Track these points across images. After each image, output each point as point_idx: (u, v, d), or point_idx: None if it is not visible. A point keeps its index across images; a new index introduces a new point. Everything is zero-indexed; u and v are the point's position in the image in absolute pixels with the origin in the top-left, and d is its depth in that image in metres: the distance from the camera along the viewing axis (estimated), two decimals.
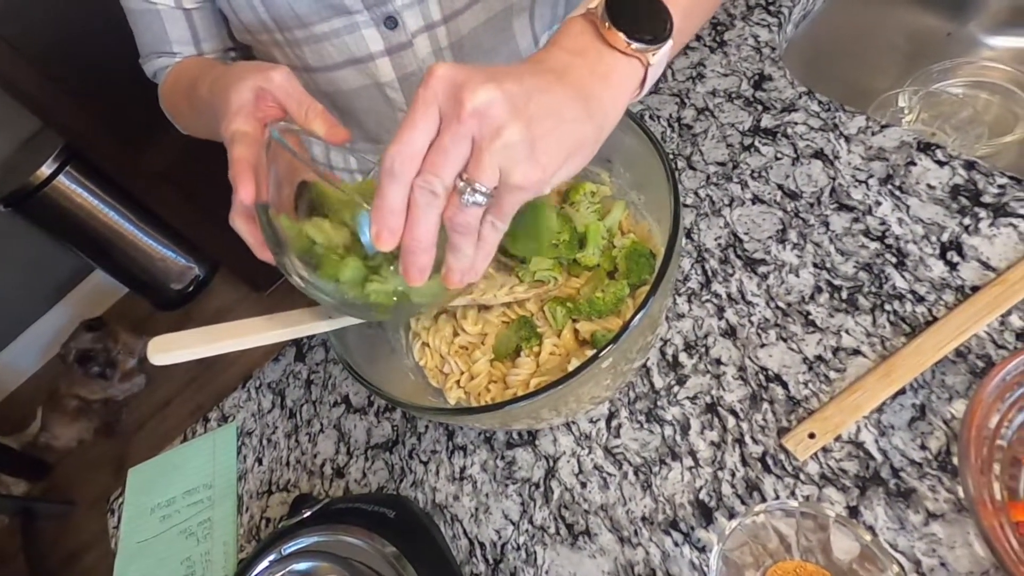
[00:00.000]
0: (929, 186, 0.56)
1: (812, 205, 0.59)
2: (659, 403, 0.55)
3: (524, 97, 0.32)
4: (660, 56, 0.37)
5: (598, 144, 0.36)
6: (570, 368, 0.45)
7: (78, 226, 1.96)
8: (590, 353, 0.51)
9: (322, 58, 0.63)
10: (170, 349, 0.43)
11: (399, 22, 0.60)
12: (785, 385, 0.52)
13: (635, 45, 0.36)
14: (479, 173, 0.32)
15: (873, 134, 0.61)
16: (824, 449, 0.48)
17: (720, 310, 0.57)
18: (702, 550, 0.48)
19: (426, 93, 0.33)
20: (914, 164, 0.57)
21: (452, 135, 0.32)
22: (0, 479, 1.99)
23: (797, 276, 0.56)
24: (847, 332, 0.52)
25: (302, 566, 0.49)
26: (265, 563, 0.50)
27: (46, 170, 1.83)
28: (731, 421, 0.52)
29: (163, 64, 0.66)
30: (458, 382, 0.56)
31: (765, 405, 0.51)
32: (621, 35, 0.36)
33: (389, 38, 0.61)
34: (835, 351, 0.52)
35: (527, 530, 0.54)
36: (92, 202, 1.94)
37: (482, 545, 0.55)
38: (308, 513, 0.55)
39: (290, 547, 0.51)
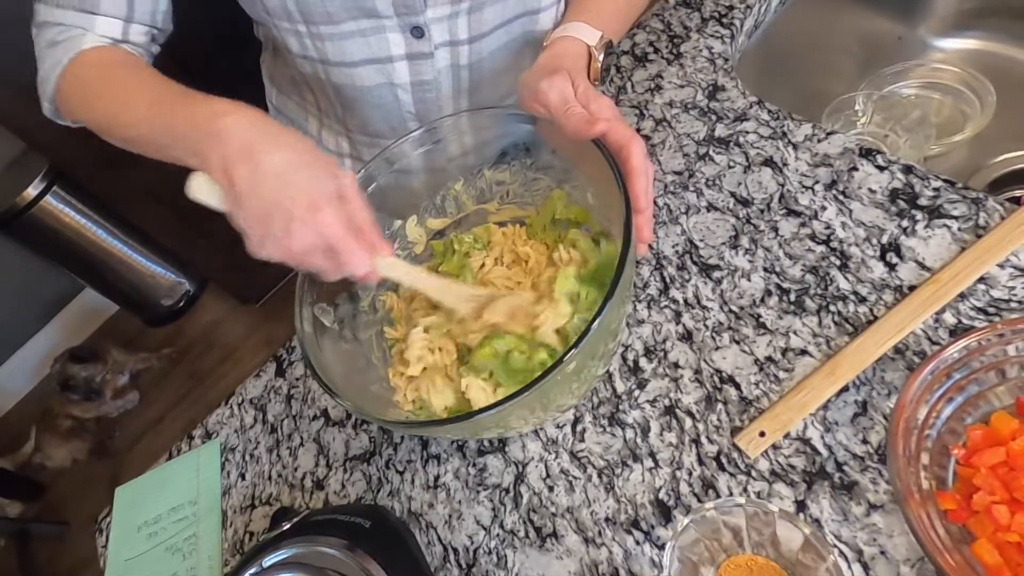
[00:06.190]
0: (870, 190, 0.58)
1: (763, 211, 0.62)
2: (621, 407, 0.57)
3: None
4: None
5: None
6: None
7: (67, 246, 1.97)
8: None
9: (342, 54, 0.64)
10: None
11: (425, 33, 0.62)
12: (738, 386, 0.54)
13: None
14: None
15: (819, 141, 0.63)
16: (774, 446, 0.50)
17: (678, 315, 0.59)
18: (662, 548, 0.50)
19: None
20: (856, 169, 0.60)
21: None
22: None
23: (749, 280, 0.58)
24: (795, 333, 0.55)
25: None
26: None
27: (32, 191, 1.84)
28: (688, 422, 0.54)
29: (71, 34, 0.59)
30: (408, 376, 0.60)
31: (719, 406, 0.54)
32: None
33: (412, 45, 0.63)
34: (784, 352, 0.54)
35: (498, 534, 0.56)
36: (80, 221, 1.95)
37: (455, 551, 0.57)
38: (287, 526, 0.56)
39: (270, 560, 0.53)
